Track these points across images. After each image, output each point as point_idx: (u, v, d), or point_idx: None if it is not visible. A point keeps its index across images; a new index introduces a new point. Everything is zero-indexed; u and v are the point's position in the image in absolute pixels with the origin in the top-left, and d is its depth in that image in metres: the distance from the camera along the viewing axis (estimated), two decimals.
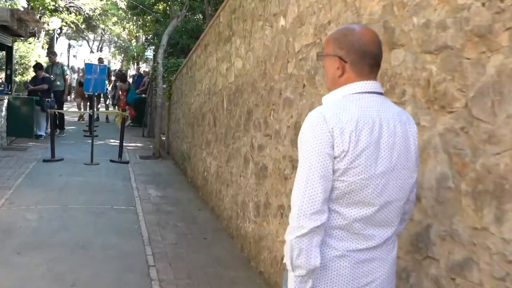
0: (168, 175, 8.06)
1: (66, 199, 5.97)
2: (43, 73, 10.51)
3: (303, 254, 1.41)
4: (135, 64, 21.34)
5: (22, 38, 12.11)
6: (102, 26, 21.74)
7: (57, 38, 24.37)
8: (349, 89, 1.51)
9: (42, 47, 21.94)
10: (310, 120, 1.45)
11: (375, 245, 1.50)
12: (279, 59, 3.89)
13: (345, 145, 1.41)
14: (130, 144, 11.09)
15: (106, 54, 42.46)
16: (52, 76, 10.81)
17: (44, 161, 8.32)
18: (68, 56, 41.94)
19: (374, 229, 1.49)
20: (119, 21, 25.00)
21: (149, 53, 17.46)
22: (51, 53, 11.69)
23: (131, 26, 24.30)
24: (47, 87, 10.38)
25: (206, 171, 6.37)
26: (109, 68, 15.71)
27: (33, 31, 15.84)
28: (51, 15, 16.48)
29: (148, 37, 14.74)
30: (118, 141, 9.09)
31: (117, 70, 19.46)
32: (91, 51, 40.76)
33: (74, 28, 17.94)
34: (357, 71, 1.51)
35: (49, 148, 8.53)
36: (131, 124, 14.97)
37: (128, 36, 27.97)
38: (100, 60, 15.13)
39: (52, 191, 6.33)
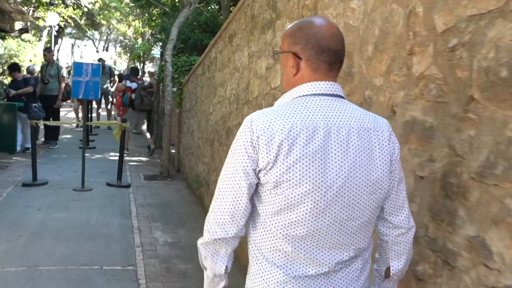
0: (179, 205, 6.26)
1: (38, 254, 4.20)
2: (22, 74, 8.81)
3: (208, 260, 1.38)
4: (141, 64, 19.63)
5: (7, 33, 10.36)
6: (104, 22, 19.93)
7: (55, 36, 22.75)
8: (299, 91, 1.34)
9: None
10: (241, 126, 1.31)
11: (326, 271, 1.30)
12: (387, 49, 2.12)
13: (271, 156, 1.23)
14: (133, 159, 9.31)
15: (112, 53, 41.40)
16: (45, 78, 9.03)
17: (24, 185, 6.57)
18: (72, 56, 40.76)
19: (322, 251, 1.30)
20: (123, 18, 23.31)
21: (156, 51, 15.69)
22: (46, 50, 9.85)
23: (136, 23, 22.67)
24: (32, 90, 8.64)
25: None
26: (111, 68, 13.99)
27: (26, 27, 14.18)
28: (46, 9, 14.75)
29: (155, 33, 12.93)
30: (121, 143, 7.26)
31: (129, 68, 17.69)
32: (97, 51, 39.69)
33: (72, 24, 16.17)
34: (313, 68, 1.33)
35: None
36: (134, 131, 13.25)
37: (134, 35, 26.67)
38: (101, 60, 13.36)
39: (21, 238, 4.57)
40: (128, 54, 29.55)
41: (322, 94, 1.32)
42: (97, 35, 40.63)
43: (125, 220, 5.36)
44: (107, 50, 43.54)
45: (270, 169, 1.25)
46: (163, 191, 6.89)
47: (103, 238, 4.72)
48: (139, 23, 22.13)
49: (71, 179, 7.06)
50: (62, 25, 17.14)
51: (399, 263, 1.47)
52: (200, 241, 1.40)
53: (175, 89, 8.38)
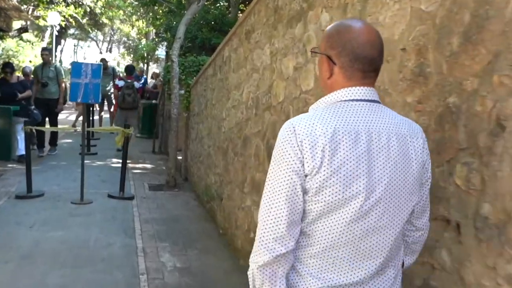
0: (188, 220, 5.66)
1: (27, 283, 3.62)
2: (17, 75, 8.21)
3: (266, 286, 1.24)
4: (145, 65, 19.08)
5: (4, 32, 9.79)
6: (107, 21, 19.37)
7: (58, 37, 22.26)
8: (336, 97, 1.31)
9: (51, 52, 19.82)
10: (281, 132, 1.27)
11: (360, 280, 1.26)
12: (486, 40, 1.54)
13: (317, 161, 1.20)
14: (137, 166, 8.72)
15: (115, 55, 41.12)
16: (43, 80, 8.44)
17: (18, 197, 5.99)
18: (75, 57, 40.43)
19: (359, 259, 1.26)
20: (126, 18, 22.78)
21: (161, 52, 15.11)
22: (44, 49, 9.19)
23: (140, 23, 22.13)
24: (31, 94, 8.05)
25: (253, 231, 3.98)
26: (114, 69, 13.39)
27: (25, 26, 13.65)
28: (47, 8, 14.17)
29: (159, 32, 12.35)
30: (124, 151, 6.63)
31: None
32: (100, 52, 39.46)
33: (74, 23, 15.60)
34: (347, 76, 1.30)
35: (33, 175, 6.18)
36: (138, 135, 12.68)
37: (138, 35, 26.25)
38: (104, 61, 12.76)
39: (9, 264, 3.98)
40: (132, 55, 29.12)
41: (361, 100, 1.29)
42: (100, 36, 40.52)
43: (128, 239, 4.75)
44: (110, 51, 43.26)
45: (315, 174, 1.21)
46: (170, 204, 6.29)
47: (103, 262, 4.12)
48: (143, 23, 21.61)
49: (70, 189, 6.48)
50: (63, 25, 16.55)
51: (412, 258, 1.52)
52: (253, 266, 1.27)
53: (182, 91, 7.78)
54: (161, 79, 11.77)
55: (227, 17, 10.30)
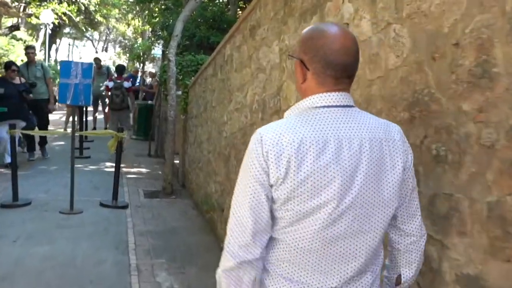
0: (187, 231, 5.24)
1: None
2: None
3: None
4: (140, 64, 18.62)
5: None
6: (101, 20, 18.88)
7: (53, 36, 21.81)
8: (308, 103, 1.28)
9: (45, 51, 19.41)
10: (250, 141, 1.27)
11: (334, 285, 1.26)
12: None
13: (281, 172, 1.19)
14: (132, 170, 8.30)
15: (111, 54, 40.82)
16: (31, 80, 7.98)
17: (3, 206, 5.56)
18: (71, 57, 40.02)
19: (330, 265, 1.26)
20: (122, 16, 22.32)
21: (157, 51, 14.67)
22: (29, 47, 8.66)
23: (136, 22, 21.70)
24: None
25: None
26: (108, 68, 12.96)
27: (17, 24, 13.17)
28: (39, 5, 13.68)
29: (156, 30, 11.90)
30: (117, 156, 6.17)
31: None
32: (96, 51, 39.14)
33: (67, 21, 15.11)
34: (319, 82, 1.28)
35: (20, 181, 5.74)
36: (133, 137, 12.25)
37: (134, 34, 25.89)
38: (97, 60, 12.32)
39: None
40: (128, 55, 28.70)
41: (333, 106, 1.27)
42: (96, 36, 40.16)
43: (121, 255, 4.33)
44: (106, 50, 42.89)
45: (280, 184, 1.21)
46: (167, 213, 5.87)
47: (92, 284, 3.70)
48: (139, 21, 21.17)
49: (59, 197, 6.05)
50: (57, 23, 16.06)
51: (410, 271, 1.45)
52: (221, 269, 1.29)
53: (179, 92, 7.36)
54: (157, 79, 11.33)
55: (226, 14, 9.88)
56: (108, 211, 5.68)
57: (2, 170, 7.41)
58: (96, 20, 23.93)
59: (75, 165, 7.88)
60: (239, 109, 4.36)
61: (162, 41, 11.63)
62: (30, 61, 8.32)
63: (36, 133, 7.01)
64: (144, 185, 7.25)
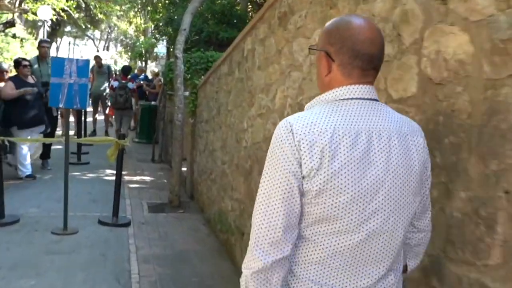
0: (199, 258, 4.47)
1: None
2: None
3: None
4: (142, 63, 17.89)
5: None
6: (102, 16, 18.10)
7: (52, 34, 21.11)
8: (335, 95, 1.24)
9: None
10: (277, 131, 1.20)
11: (365, 286, 1.21)
12: None
13: (315, 162, 1.13)
14: (134, 179, 7.56)
15: (112, 53, 40.43)
16: (44, 79, 7.11)
17: None
18: (73, 55, 39.51)
19: (361, 267, 1.21)
20: (123, 14, 21.59)
21: (160, 49, 13.92)
22: (44, 41, 7.79)
23: (138, 20, 20.98)
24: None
25: None
26: (109, 67, 12.22)
27: (12, 20, 12.44)
28: (35, 0, 12.90)
29: (159, 26, 11.14)
30: (118, 166, 5.40)
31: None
32: (97, 50, 38.73)
33: (66, 17, 14.33)
34: (345, 73, 1.24)
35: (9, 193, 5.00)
36: (136, 140, 11.53)
37: (136, 33, 25.28)
38: (97, 58, 11.58)
39: None
40: (129, 53, 28.04)
41: (360, 98, 1.23)
42: (97, 35, 39.79)
43: None
44: (107, 49, 42.44)
45: (313, 176, 1.14)
46: (175, 232, 5.12)
47: None
48: (141, 19, 20.46)
49: (52, 213, 5.32)
50: (55, 20, 15.30)
51: (416, 261, 1.48)
52: (247, 271, 1.18)
53: (187, 93, 6.61)
54: (161, 79, 10.60)
55: (236, 8, 9.13)
56: (108, 231, 4.94)
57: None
58: (97, 17, 23.24)
59: (72, 173, 7.19)
60: (264, 115, 3.61)
61: (166, 38, 10.88)
62: (43, 57, 7.54)
63: (27, 140, 6.24)
64: (148, 196, 6.51)
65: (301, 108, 2.98)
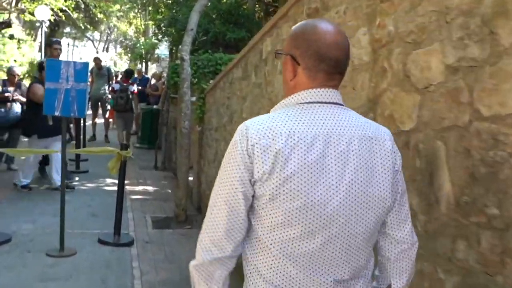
0: None
1: None
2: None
3: (201, 285, 1.27)
4: (143, 64, 17.43)
5: None
6: (101, 16, 17.65)
7: (50, 34, 20.65)
8: (297, 98, 1.25)
9: (40, 50, 18.26)
10: (235, 134, 1.23)
11: None
12: None
13: (267, 167, 1.15)
14: (137, 189, 7.09)
15: (112, 54, 40.19)
16: None
17: None
18: (70, 57, 39.26)
19: (322, 270, 1.20)
20: (123, 14, 21.16)
21: (162, 50, 13.45)
22: (54, 42, 7.15)
23: (138, 21, 20.56)
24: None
25: None
26: (109, 69, 11.76)
27: (8, 20, 11.98)
28: (32, 0, 12.41)
29: (161, 27, 10.67)
30: (120, 180, 4.92)
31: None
32: (97, 52, 38.49)
33: (63, 17, 13.84)
34: (310, 77, 1.25)
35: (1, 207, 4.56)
36: (137, 145, 11.07)
37: (136, 34, 24.94)
38: (97, 60, 11.12)
39: None
40: (129, 55, 27.62)
41: (322, 102, 1.24)
42: (97, 36, 39.57)
43: None
44: (107, 50, 42.16)
45: (266, 180, 1.16)
46: (183, 251, 4.64)
47: None
48: (141, 20, 20.04)
49: (47, 229, 4.85)
50: (53, 20, 14.84)
51: (401, 281, 1.38)
52: (192, 263, 1.28)
53: (194, 98, 6.14)
54: (164, 82, 10.14)
55: (243, 7, 8.67)
56: (109, 251, 4.47)
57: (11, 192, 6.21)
58: (96, 18, 22.80)
59: (73, 182, 6.74)
60: None
61: (169, 39, 10.41)
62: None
63: (16, 151, 5.76)
64: (152, 209, 6.04)
65: None
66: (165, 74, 11.52)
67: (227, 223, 1.20)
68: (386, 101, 2.09)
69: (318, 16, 2.80)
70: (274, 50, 3.56)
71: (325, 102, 1.23)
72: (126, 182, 5.78)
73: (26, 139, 6.45)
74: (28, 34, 22.30)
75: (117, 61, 38.95)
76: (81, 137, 8.26)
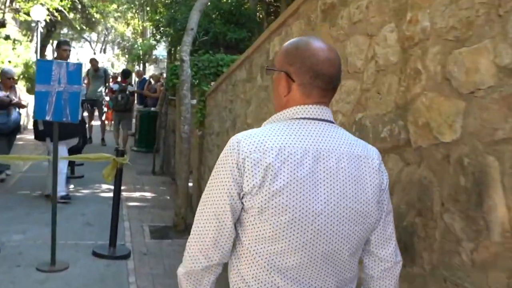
0: None
1: None
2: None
3: None
4: (140, 65, 17.14)
5: None
6: (98, 17, 17.37)
7: (46, 35, 20.40)
8: (289, 114, 1.28)
9: (37, 51, 18.00)
10: (226, 146, 1.25)
11: None
12: None
13: (257, 180, 1.16)
14: (133, 195, 6.81)
15: (109, 56, 40.08)
16: None
17: None
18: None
19: (307, 284, 1.22)
20: (120, 15, 20.90)
21: (160, 51, 13.18)
22: (63, 43, 6.75)
23: (136, 21, 20.29)
24: None
25: None
26: (106, 71, 11.46)
27: (2, 20, 11.69)
28: (27, 0, 12.11)
29: (159, 27, 10.38)
30: (116, 188, 4.64)
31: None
32: (94, 53, 38.38)
33: (59, 17, 13.53)
34: (305, 93, 1.27)
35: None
36: (134, 148, 10.79)
37: (133, 35, 24.75)
38: (93, 61, 10.82)
39: None
40: (127, 56, 27.37)
41: (313, 119, 1.26)
42: (94, 37, 39.51)
43: None
44: (104, 52, 41.98)
45: (255, 193, 1.17)
46: None
47: None
48: (139, 21, 19.78)
49: (39, 241, 4.57)
50: (48, 20, 14.53)
51: None
52: (180, 270, 1.31)
53: (194, 101, 5.87)
54: (163, 84, 9.86)
55: (244, 7, 8.41)
56: (104, 265, 4.19)
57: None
58: (93, 19, 22.52)
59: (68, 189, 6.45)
60: None
61: (168, 39, 10.13)
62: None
63: (10, 159, 5.46)
64: (150, 217, 5.76)
65: (359, 128, 2.26)
66: (165, 75, 11.26)
67: (214, 234, 1.21)
68: (420, 108, 1.82)
69: (335, 13, 2.53)
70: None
71: (317, 119, 1.25)
72: (122, 188, 5.51)
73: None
74: (25, 35, 22.01)
75: (114, 62, 38.73)
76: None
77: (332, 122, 1.29)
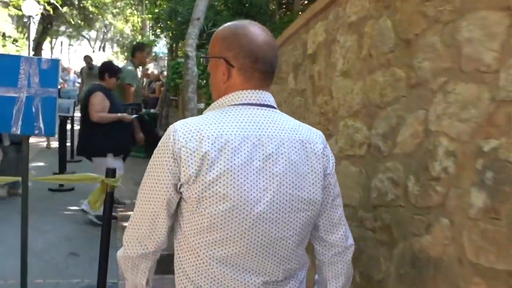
0: None
1: None
2: None
3: (128, 273, 1.32)
4: None
5: None
6: (94, 10, 16.57)
7: (42, 33, 19.61)
8: (229, 100, 1.24)
9: (34, 49, 17.22)
10: (164, 135, 1.21)
11: None
12: None
13: (193, 170, 1.14)
14: (130, 213, 5.88)
15: (108, 54, 39.87)
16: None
17: None
18: (65, 56, 38.62)
19: (250, 274, 1.20)
20: (119, 11, 20.12)
21: (161, 48, 12.31)
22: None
23: (135, 18, 19.49)
24: None
25: None
26: None
27: None
28: None
29: (159, 20, 9.51)
30: (105, 218, 3.75)
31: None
32: (93, 51, 38.08)
33: (51, 11, 12.73)
34: (246, 77, 1.24)
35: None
36: (132, 154, 9.92)
37: (132, 32, 24.20)
38: (87, 58, 9.97)
39: None
40: (126, 54, 26.72)
41: (254, 104, 1.24)
42: (93, 35, 39.33)
43: None
44: (103, 49, 41.65)
45: (192, 183, 1.15)
46: None
47: None
48: (138, 17, 18.98)
49: (11, 279, 3.67)
50: (41, 14, 13.69)
51: (337, 284, 1.38)
52: (119, 254, 1.32)
53: (202, 105, 4.98)
54: (163, 84, 9.00)
55: None
56: None
57: None
58: (91, 15, 21.75)
59: (49, 204, 5.63)
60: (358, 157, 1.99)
61: (169, 34, 9.25)
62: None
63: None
64: None
65: (490, 165, 1.37)
66: (165, 74, 10.39)
67: (150, 224, 1.22)
68: None
69: None
70: (328, 40, 2.40)
71: (257, 104, 1.22)
72: (116, 205, 4.69)
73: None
74: (21, 32, 21.26)
75: (114, 60, 38.34)
76: (67, 142, 7.17)
77: (274, 107, 1.25)
